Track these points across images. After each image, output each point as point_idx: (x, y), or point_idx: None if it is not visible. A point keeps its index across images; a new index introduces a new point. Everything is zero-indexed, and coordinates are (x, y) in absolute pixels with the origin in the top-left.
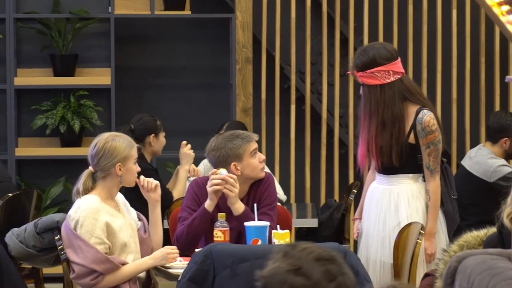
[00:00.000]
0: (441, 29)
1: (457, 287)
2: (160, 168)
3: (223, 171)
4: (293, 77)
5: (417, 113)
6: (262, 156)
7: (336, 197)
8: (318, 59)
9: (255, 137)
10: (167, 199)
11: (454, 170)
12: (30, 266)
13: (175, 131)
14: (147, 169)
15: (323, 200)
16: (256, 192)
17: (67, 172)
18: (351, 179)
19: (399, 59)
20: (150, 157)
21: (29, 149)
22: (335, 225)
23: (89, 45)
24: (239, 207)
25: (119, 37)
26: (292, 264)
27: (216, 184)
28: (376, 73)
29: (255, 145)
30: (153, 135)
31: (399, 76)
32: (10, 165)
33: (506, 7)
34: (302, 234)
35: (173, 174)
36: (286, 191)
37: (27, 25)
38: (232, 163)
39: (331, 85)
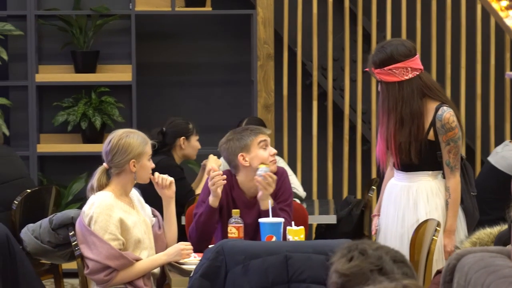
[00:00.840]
0: (465, 24)
1: (455, 284)
2: (182, 165)
3: (264, 168)
4: (315, 73)
5: (437, 109)
6: (273, 150)
7: (358, 193)
8: (340, 55)
9: (266, 130)
10: (189, 197)
11: (478, 167)
12: (49, 262)
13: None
14: (171, 166)
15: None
16: None
17: (88, 168)
18: (373, 176)
19: (417, 56)
20: (181, 160)
21: (50, 146)
22: (354, 221)
23: (110, 41)
24: (267, 203)
25: (140, 34)
26: (375, 264)
27: (217, 181)
28: (394, 70)
29: (265, 137)
30: (183, 137)
31: (418, 73)
32: (32, 162)
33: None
34: (321, 231)
35: (198, 171)
36: (308, 188)
37: (49, 22)
38: (240, 154)
39: (353, 81)
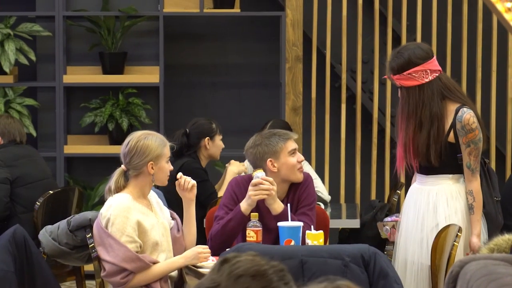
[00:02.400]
0: (497, 27)
1: None
2: (208, 167)
3: (258, 174)
4: (344, 75)
5: (457, 111)
6: (301, 157)
7: (386, 197)
8: (370, 57)
9: (294, 135)
10: (211, 199)
11: (508, 171)
12: (67, 264)
13: (224, 130)
14: (195, 168)
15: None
16: (295, 193)
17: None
18: (402, 180)
19: (434, 57)
20: (207, 161)
21: (78, 147)
22: None
23: (138, 43)
24: (277, 207)
25: (168, 35)
26: (213, 281)
27: (260, 193)
28: (414, 74)
29: (294, 145)
30: (208, 138)
31: (437, 74)
32: (58, 163)
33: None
34: (345, 235)
35: (222, 173)
36: (336, 191)
37: (77, 23)
38: (269, 159)
39: (383, 84)
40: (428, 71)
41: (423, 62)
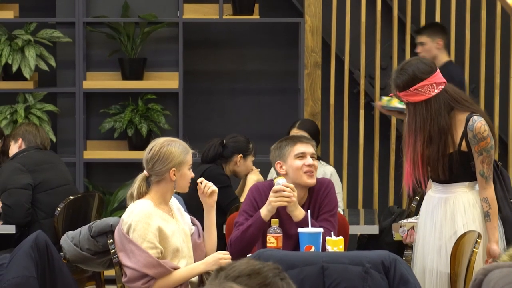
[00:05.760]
0: None
1: None
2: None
3: (280, 181)
4: (362, 82)
5: (467, 120)
6: (309, 160)
7: (404, 204)
8: (388, 63)
9: (305, 140)
10: (233, 204)
11: None
12: (89, 269)
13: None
14: (218, 174)
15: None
16: (317, 199)
17: (134, 175)
18: (424, 187)
19: (438, 70)
20: (229, 175)
21: (97, 152)
22: None
23: (158, 49)
24: (299, 214)
25: (187, 42)
26: (215, 286)
27: (281, 200)
28: (420, 89)
29: (303, 148)
30: (241, 155)
31: (442, 87)
32: (78, 168)
33: None
34: (363, 241)
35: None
36: (354, 197)
37: (97, 29)
38: (277, 162)
39: None
40: (434, 84)
41: (428, 76)
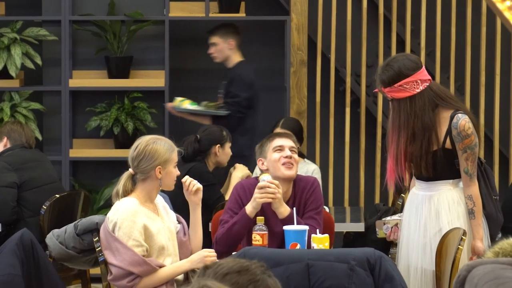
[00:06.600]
0: (501, 31)
1: None
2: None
3: (265, 177)
4: (348, 79)
5: (452, 117)
6: (287, 152)
7: (390, 201)
8: (374, 61)
9: (284, 135)
10: (218, 202)
11: None
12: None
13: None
14: (203, 172)
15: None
16: (302, 197)
17: (120, 173)
18: (406, 183)
19: (423, 67)
20: (213, 167)
21: (83, 150)
22: None
23: (144, 47)
24: (284, 211)
25: (173, 40)
26: (201, 285)
27: (266, 196)
28: (405, 86)
29: (281, 142)
30: (218, 145)
31: (427, 84)
32: (64, 166)
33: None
34: (350, 239)
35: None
36: (340, 195)
37: (83, 27)
38: (259, 159)
39: None
40: (419, 81)
41: (414, 73)
